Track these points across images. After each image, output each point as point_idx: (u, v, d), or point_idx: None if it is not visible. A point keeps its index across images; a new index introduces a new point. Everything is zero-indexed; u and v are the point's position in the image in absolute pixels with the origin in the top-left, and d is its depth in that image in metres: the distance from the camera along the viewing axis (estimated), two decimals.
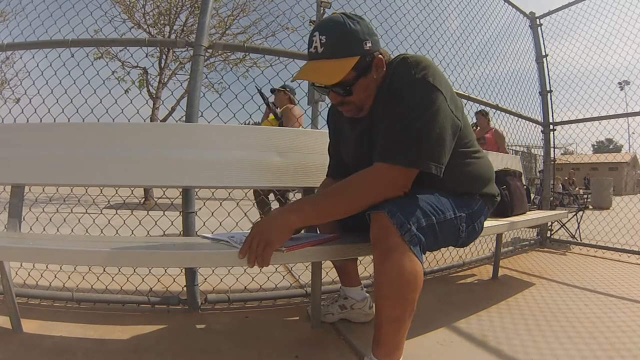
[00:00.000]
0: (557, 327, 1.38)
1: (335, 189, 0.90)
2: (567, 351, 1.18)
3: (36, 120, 1.69)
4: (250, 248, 0.84)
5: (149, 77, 7.98)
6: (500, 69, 3.13)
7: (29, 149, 1.32)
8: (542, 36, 3.40)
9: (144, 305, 1.50)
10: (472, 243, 1.12)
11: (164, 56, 7.68)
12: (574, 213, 3.68)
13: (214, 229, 1.63)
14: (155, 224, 1.79)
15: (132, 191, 2.72)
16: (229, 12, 7.20)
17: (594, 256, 2.80)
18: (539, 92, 3.38)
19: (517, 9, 3.27)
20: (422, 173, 0.89)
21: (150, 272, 1.66)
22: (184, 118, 1.57)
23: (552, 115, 3.36)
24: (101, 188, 1.46)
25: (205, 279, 1.74)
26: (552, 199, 3.41)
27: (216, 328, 1.34)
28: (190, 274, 1.49)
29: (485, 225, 1.13)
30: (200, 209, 1.58)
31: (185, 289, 1.51)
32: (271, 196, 2.78)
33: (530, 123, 3.33)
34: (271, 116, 2.96)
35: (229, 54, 6.96)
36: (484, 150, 1.16)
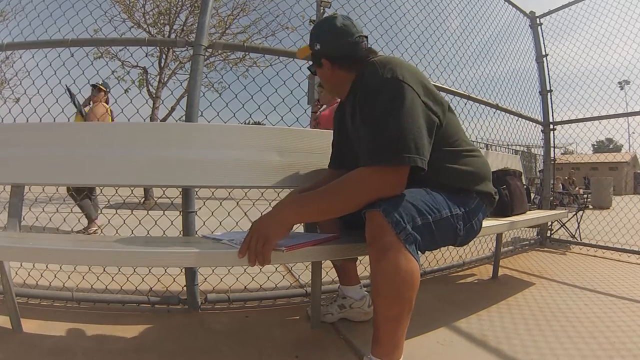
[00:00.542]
0: (557, 327, 1.38)
1: (331, 187, 0.91)
2: (567, 351, 1.18)
3: (36, 120, 1.69)
4: (250, 247, 0.85)
5: (148, 76, 7.98)
6: (500, 68, 3.13)
7: (29, 149, 1.32)
8: (542, 36, 3.40)
9: (144, 305, 1.50)
10: (472, 242, 1.12)
11: (164, 56, 7.67)
12: (574, 213, 3.68)
13: (214, 229, 1.63)
14: (155, 223, 1.79)
15: (132, 191, 2.72)
16: (228, 11, 7.20)
17: (594, 256, 2.80)
18: (539, 92, 3.38)
19: (517, 8, 3.27)
20: (414, 172, 0.90)
21: (150, 272, 1.66)
22: (183, 118, 1.57)
23: (552, 115, 3.36)
24: (101, 188, 1.46)
25: (205, 278, 1.74)
26: (552, 198, 3.41)
27: (216, 328, 1.34)
28: (190, 274, 1.49)
29: (485, 225, 1.13)
30: (200, 208, 1.57)
31: (185, 288, 1.51)
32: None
33: (530, 123, 3.33)
34: (78, 115, 3.25)
35: (229, 53, 6.97)
36: (480, 150, 1.16)
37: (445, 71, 2.61)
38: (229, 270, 1.77)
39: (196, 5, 7.11)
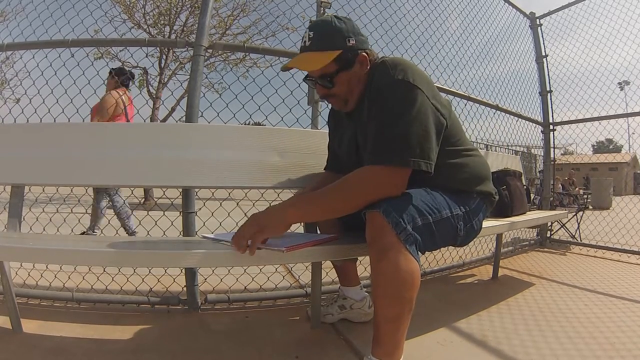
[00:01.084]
0: (557, 327, 1.38)
1: (333, 187, 0.91)
2: (567, 351, 1.18)
3: (36, 120, 1.69)
4: (243, 232, 0.85)
5: (149, 77, 7.99)
6: (500, 69, 3.13)
7: (29, 149, 1.32)
8: (542, 36, 3.40)
9: (144, 305, 1.50)
10: (472, 243, 1.12)
11: (164, 56, 7.69)
12: (574, 213, 3.68)
13: (214, 229, 1.63)
14: (155, 224, 1.79)
15: (132, 191, 2.72)
16: (229, 12, 7.22)
17: (594, 256, 2.80)
18: (539, 92, 3.38)
19: (517, 9, 3.27)
20: (415, 172, 0.90)
21: (150, 272, 1.66)
22: (184, 118, 1.57)
23: (552, 116, 3.36)
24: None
25: (205, 279, 1.74)
26: (552, 199, 3.41)
27: (216, 328, 1.34)
28: (190, 274, 1.49)
29: (485, 226, 1.13)
30: (200, 209, 1.57)
31: (185, 289, 1.51)
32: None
33: (530, 123, 3.33)
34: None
35: (229, 54, 6.98)
36: (479, 150, 1.16)
37: (445, 72, 2.62)
38: (229, 271, 1.77)
39: (196, 5, 7.13)
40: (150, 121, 5.78)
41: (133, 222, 2.79)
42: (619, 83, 3.29)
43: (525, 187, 2.06)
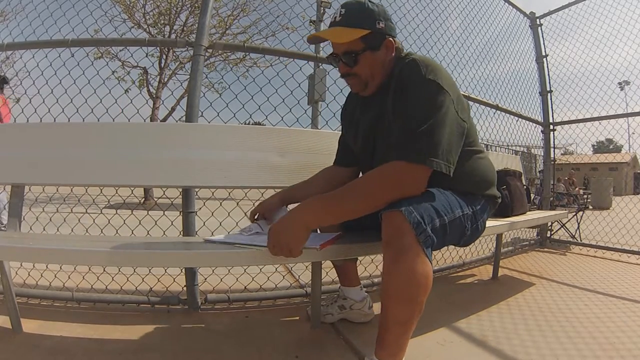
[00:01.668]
0: (557, 327, 1.38)
1: (352, 187, 0.89)
2: (567, 351, 1.18)
3: (36, 120, 1.69)
4: (274, 259, 0.87)
5: (149, 76, 7.99)
6: (500, 69, 3.13)
7: (29, 149, 1.32)
8: (542, 36, 3.40)
9: (144, 305, 1.50)
10: (472, 243, 1.12)
11: (164, 56, 7.68)
12: (574, 213, 3.68)
13: (214, 229, 1.63)
14: (155, 223, 1.79)
15: (132, 191, 2.72)
16: (229, 12, 7.21)
17: (594, 256, 2.80)
18: (539, 92, 3.38)
19: (517, 9, 3.27)
20: (436, 175, 0.89)
21: (150, 272, 1.66)
22: (184, 118, 1.57)
23: (552, 116, 3.36)
24: (101, 188, 1.46)
25: (205, 279, 1.74)
26: (552, 199, 3.41)
27: (216, 328, 1.34)
28: (190, 274, 1.49)
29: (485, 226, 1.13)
30: (200, 209, 1.57)
31: (185, 289, 1.51)
32: None
33: (531, 123, 3.33)
34: None
35: (229, 53, 6.97)
36: (486, 151, 1.16)
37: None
38: (229, 271, 1.77)
39: (196, 5, 7.12)
40: (150, 121, 5.77)
41: (5, 217, 2.84)
42: (619, 83, 3.29)
43: (525, 187, 2.06)
